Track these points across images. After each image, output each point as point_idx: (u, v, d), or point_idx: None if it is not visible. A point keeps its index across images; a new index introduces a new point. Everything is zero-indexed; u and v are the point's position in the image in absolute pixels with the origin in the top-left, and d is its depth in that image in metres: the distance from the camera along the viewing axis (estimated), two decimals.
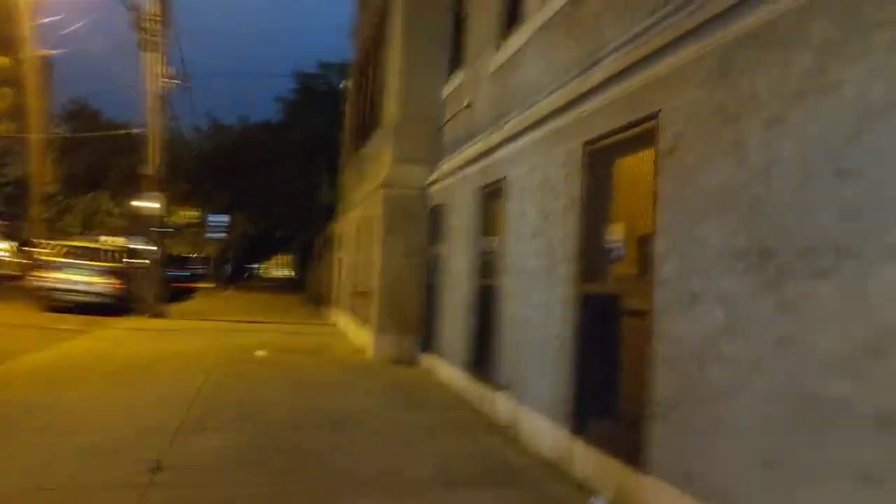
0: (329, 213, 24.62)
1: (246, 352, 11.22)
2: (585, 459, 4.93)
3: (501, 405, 6.77)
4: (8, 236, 34.73)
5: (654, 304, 4.19)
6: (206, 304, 23.16)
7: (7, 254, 32.74)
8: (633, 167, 4.79)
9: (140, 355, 10.24)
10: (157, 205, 16.79)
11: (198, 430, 5.89)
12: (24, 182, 30.32)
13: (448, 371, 8.93)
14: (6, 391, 7.15)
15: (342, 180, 21.47)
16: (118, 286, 17.34)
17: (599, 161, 5.18)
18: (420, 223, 10.99)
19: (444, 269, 9.64)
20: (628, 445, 4.41)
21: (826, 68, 2.95)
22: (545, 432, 5.65)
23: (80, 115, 39.24)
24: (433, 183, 10.53)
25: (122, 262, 18.15)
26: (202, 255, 44.22)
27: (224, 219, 39.35)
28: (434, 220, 10.55)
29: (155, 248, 16.90)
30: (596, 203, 5.18)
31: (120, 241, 21.71)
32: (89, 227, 33.55)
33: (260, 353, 11.21)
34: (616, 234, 4.93)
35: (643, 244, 4.56)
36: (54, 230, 29.75)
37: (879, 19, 2.71)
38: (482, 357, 7.76)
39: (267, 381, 8.55)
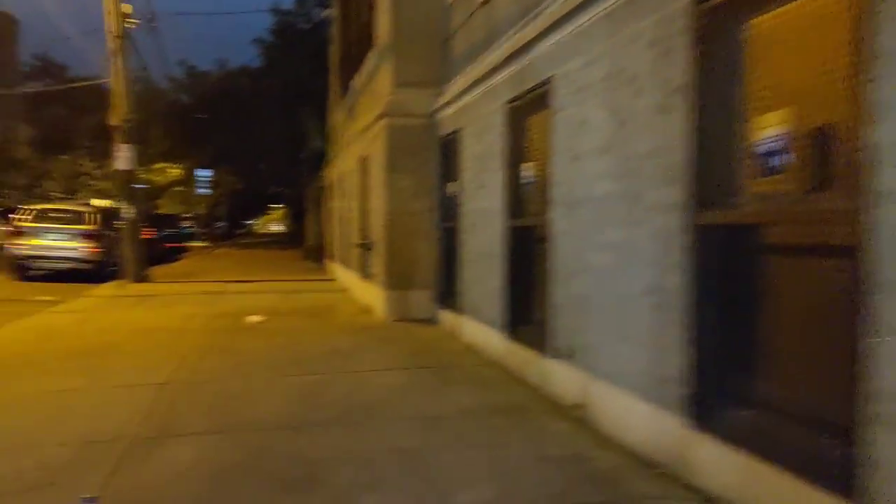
0: (320, 161, 22.82)
1: (235, 319, 9.62)
2: (720, 469, 3.36)
3: (561, 378, 5.19)
4: None
5: (871, 236, 2.54)
6: (196, 265, 21.56)
7: None
8: (805, 11, 3.00)
9: (109, 330, 8.64)
10: (127, 157, 14.90)
11: (162, 440, 4.33)
12: None
13: (477, 331, 7.33)
14: None
15: (332, 123, 19.55)
16: (95, 250, 16.21)
17: (728, 20, 3.40)
18: (429, 158, 9.25)
19: (463, 209, 7.94)
20: (820, 461, 2.83)
21: None
22: (638, 418, 4.09)
23: (46, 72, 36.86)
24: (443, 107, 8.74)
25: (98, 223, 16.43)
26: (193, 213, 42.49)
27: (208, 173, 37.30)
28: (447, 153, 8.79)
29: (130, 206, 15.05)
30: (720, 86, 3.42)
31: (106, 203, 19.66)
32: (72, 191, 31.66)
33: (252, 318, 9.65)
34: (769, 127, 3.18)
35: (828, 140, 2.86)
36: (34, 197, 27.99)
37: None
38: (525, 316, 6.15)
39: (258, 359, 6.94)
